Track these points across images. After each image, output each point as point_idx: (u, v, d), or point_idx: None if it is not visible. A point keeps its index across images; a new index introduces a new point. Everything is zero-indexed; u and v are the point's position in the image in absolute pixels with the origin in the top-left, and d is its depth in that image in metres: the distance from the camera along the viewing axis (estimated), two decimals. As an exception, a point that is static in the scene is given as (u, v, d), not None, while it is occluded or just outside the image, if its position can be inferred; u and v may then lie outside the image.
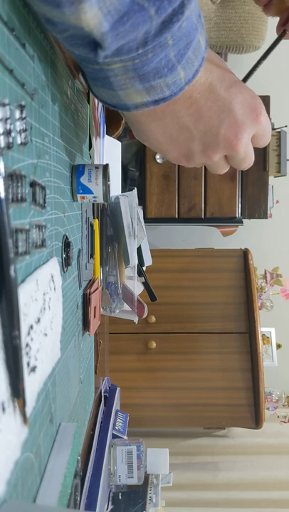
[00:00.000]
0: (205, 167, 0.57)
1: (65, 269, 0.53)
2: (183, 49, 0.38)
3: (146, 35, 0.35)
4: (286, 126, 2.33)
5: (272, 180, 2.33)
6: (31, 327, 0.36)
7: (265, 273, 2.48)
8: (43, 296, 0.40)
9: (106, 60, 0.36)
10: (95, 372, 0.85)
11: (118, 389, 1.03)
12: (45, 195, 0.43)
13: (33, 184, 0.38)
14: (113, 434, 0.91)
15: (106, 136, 0.93)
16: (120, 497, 0.96)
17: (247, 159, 0.50)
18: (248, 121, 0.46)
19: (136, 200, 0.93)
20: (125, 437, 0.93)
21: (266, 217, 2.30)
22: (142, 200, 2.21)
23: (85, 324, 0.68)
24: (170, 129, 0.46)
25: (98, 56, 0.35)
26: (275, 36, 0.58)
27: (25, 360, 0.34)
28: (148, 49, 0.36)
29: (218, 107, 0.45)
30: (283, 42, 0.57)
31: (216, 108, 0.45)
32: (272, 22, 0.59)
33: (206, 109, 0.45)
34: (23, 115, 0.35)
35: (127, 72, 0.38)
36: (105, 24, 0.33)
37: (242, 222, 2.34)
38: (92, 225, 0.74)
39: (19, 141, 0.35)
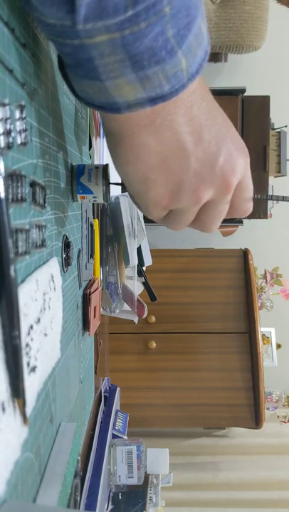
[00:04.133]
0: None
1: (65, 269, 0.53)
2: (183, 29, 0.31)
3: None
4: (286, 126, 2.33)
5: (272, 180, 2.33)
6: (31, 327, 0.36)
7: (265, 273, 2.48)
8: (43, 296, 0.40)
9: (87, 25, 0.29)
10: (95, 372, 0.85)
11: (118, 389, 1.03)
12: (45, 195, 0.43)
13: (33, 184, 0.38)
14: (113, 434, 0.91)
15: (106, 136, 0.93)
16: (120, 497, 0.96)
17: (224, 211, 0.42)
18: (242, 159, 0.39)
19: (136, 200, 0.93)
20: (125, 437, 0.93)
21: (266, 217, 2.30)
22: (142, 200, 2.20)
23: (85, 324, 0.68)
24: (167, 149, 0.37)
25: (76, 18, 0.28)
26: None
27: (25, 360, 0.34)
28: (139, 12, 0.29)
29: (217, 132, 0.38)
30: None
31: (215, 133, 0.38)
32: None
33: (206, 130, 0.37)
34: (23, 115, 0.35)
35: (115, 49, 0.30)
36: None
37: (242, 222, 2.34)
38: (92, 225, 0.74)
39: (19, 141, 0.35)
